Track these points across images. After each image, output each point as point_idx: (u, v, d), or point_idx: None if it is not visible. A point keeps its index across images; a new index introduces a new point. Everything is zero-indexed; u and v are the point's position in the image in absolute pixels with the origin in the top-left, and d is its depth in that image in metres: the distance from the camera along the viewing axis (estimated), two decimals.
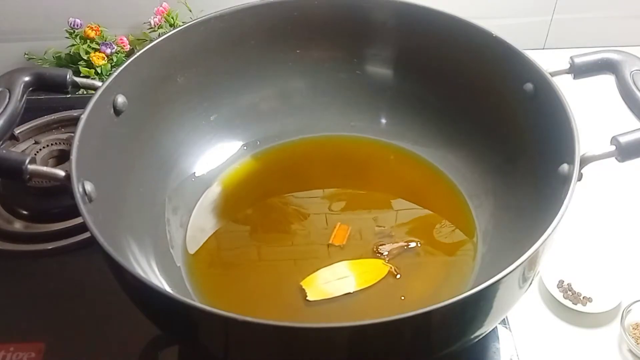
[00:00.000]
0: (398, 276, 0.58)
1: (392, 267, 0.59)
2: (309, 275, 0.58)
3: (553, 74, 0.56)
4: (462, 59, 0.64)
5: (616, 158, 0.50)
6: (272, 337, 0.43)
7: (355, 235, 0.62)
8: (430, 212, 0.64)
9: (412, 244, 0.61)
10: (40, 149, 0.72)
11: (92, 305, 0.61)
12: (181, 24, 0.74)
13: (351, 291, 0.57)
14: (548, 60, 0.57)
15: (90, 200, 0.50)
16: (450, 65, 0.65)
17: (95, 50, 0.84)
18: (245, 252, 0.63)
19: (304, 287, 0.57)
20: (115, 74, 0.56)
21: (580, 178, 0.49)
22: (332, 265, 0.59)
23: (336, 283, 0.57)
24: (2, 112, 0.52)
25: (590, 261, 0.66)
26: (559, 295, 0.63)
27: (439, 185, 0.66)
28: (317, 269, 0.59)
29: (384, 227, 0.63)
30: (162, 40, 0.61)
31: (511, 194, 0.61)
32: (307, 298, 0.56)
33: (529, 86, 0.58)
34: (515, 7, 0.90)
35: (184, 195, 0.65)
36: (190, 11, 0.86)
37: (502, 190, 0.62)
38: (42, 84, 0.56)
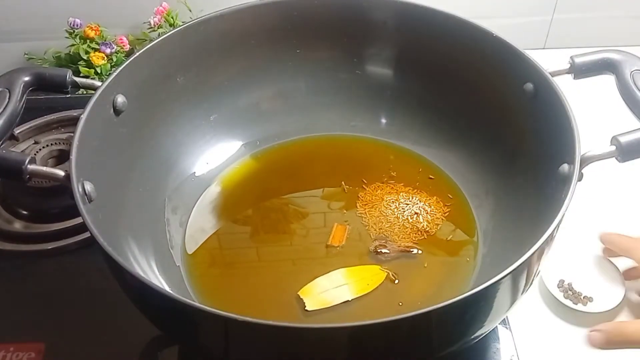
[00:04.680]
0: (396, 281, 0.58)
1: (390, 273, 0.59)
2: (307, 276, 0.58)
3: (553, 74, 0.56)
4: (462, 59, 0.64)
5: (616, 158, 0.50)
6: (272, 337, 0.43)
7: (355, 236, 0.62)
8: (430, 212, 0.64)
9: (412, 244, 0.61)
10: (40, 149, 0.72)
11: (92, 305, 0.61)
12: (181, 23, 0.74)
13: (349, 299, 0.57)
14: (548, 60, 0.57)
15: (90, 200, 0.50)
16: (450, 65, 0.65)
17: (95, 50, 0.84)
18: (245, 252, 0.63)
19: (302, 296, 0.57)
20: (115, 73, 0.56)
21: (580, 178, 0.49)
22: (329, 273, 0.59)
23: (334, 291, 0.57)
24: (2, 112, 0.52)
25: (590, 261, 0.66)
26: (559, 295, 0.63)
27: (440, 185, 0.66)
28: (316, 270, 0.59)
29: (384, 227, 0.63)
30: (162, 40, 0.61)
31: (511, 194, 0.61)
32: (306, 308, 0.56)
33: (529, 86, 0.58)
34: (515, 7, 0.90)
35: (184, 195, 0.65)
36: (190, 11, 0.86)
37: (502, 190, 0.62)
38: (42, 84, 0.56)
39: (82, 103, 0.55)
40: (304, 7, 0.66)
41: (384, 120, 0.71)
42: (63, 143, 0.73)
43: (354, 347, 0.44)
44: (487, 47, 0.61)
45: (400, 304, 0.57)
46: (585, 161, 0.50)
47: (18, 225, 0.68)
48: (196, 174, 0.67)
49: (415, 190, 0.66)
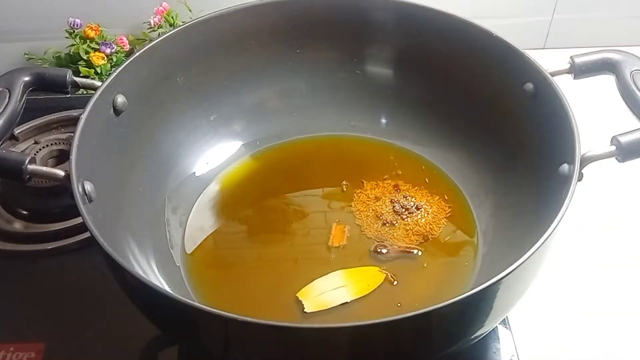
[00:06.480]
0: (395, 283, 0.58)
1: (389, 274, 0.59)
2: (307, 276, 0.58)
3: (553, 74, 0.56)
4: (462, 59, 0.64)
5: (616, 158, 0.50)
6: (272, 337, 0.43)
7: (354, 236, 0.62)
8: (431, 212, 0.64)
9: (412, 244, 0.61)
10: (40, 149, 0.72)
11: (92, 305, 0.61)
12: (181, 23, 0.74)
13: (348, 301, 0.57)
14: (548, 60, 0.57)
15: (90, 200, 0.50)
16: (450, 65, 0.65)
17: (95, 50, 0.84)
18: (245, 252, 0.63)
19: (300, 298, 0.57)
20: (115, 73, 0.56)
21: (580, 178, 0.49)
22: (328, 275, 0.58)
23: (332, 293, 0.57)
24: (2, 112, 0.52)
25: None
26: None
27: (440, 185, 0.66)
28: (316, 271, 0.59)
29: (384, 227, 0.63)
30: (161, 40, 0.61)
31: (511, 194, 0.61)
32: (305, 310, 0.56)
33: (529, 86, 0.58)
34: (516, 7, 0.90)
35: (184, 195, 0.65)
36: (190, 11, 0.86)
37: (502, 190, 0.62)
38: (42, 84, 0.56)
39: (82, 103, 0.55)
40: (304, 7, 0.66)
41: (384, 120, 0.71)
42: (63, 143, 0.73)
43: (354, 348, 0.44)
44: (487, 47, 0.61)
45: (399, 304, 0.57)
46: (585, 161, 0.50)
47: (18, 225, 0.68)
48: (196, 174, 0.67)
49: (416, 190, 0.66)
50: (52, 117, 0.77)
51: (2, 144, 0.53)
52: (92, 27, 0.85)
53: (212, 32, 0.64)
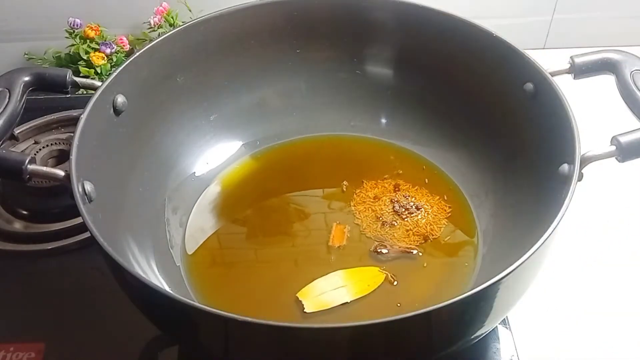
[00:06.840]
0: (395, 283, 0.58)
1: (389, 274, 0.59)
2: (307, 277, 0.58)
3: (553, 74, 0.56)
4: (462, 59, 0.64)
5: (616, 158, 0.50)
6: (272, 337, 0.43)
7: (354, 236, 0.62)
8: (431, 213, 0.64)
9: (412, 245, 0.61)
10: (40, 149, 0.72)
11: (92, 305, 0.61)
12: (181, 23, 0.74)
13: (348, 301, 0.57)
14: (548, 60, 0.57)
15: (90, 200, 0.50)
16: (450, 65, 0.65)
17: (95, 50, 0.84)
18: (245, 252, 0.63)
19: (300, 298, 0.57)
20: (115, 73, 0.56)
21: (580, 178, 0.49)
22: (328, 275, 0.58)
23: (332, 293, 0.57)
24: (2, 112, 0.53)
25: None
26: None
27: (440, 185, 0.66)
28: (316, 271, 0.59)
29: (384, 227, 0.63)
30: (161, 40, 0.61)
31: (511, 194, 0.61)
32: (305, 310, 0.56)
33: (529, 86, 0.58)
34: (516, 7, 0.90)
35: (184, 195, 0.65)
36: (190, 11, 0.86)
37: (502, 190, 0.62)
38: (42, 84, 0.56)
39: (82, 103, 0.55)
40: (304, 7, 0.66)
41: (384, 120, 0.71)
42: (63, 143, 0.73)
43: (354, 348, 0.44)
44: (487, 47, 0.61)
45: (399, 304, 0.57)
46: (585, 161, 0.50)
47: (18, 225, 0.68)
48: (196, 174, 0.67)
49: (416, 190, 0.66)
50: (52, 117, 0.77)
51: (2, 144, 0.53)
52: (92, 27, 0.85)
53: (212, 32, 0.64)
